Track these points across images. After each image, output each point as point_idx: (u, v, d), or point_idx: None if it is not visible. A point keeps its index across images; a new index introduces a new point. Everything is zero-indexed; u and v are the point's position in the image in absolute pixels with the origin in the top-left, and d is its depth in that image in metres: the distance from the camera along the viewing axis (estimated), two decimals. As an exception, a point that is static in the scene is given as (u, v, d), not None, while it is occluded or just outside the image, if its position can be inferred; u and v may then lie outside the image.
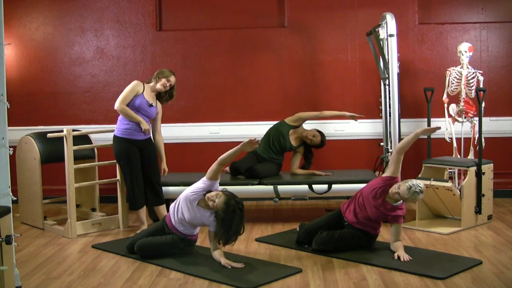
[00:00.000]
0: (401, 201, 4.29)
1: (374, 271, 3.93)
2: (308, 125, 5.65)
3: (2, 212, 3.04)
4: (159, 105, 5.12)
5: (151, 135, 5.10)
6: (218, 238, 4.02)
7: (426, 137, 5.77)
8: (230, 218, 3.94)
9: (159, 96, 5.10)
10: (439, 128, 4.39)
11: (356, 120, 5.49)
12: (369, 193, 4.35)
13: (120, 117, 5.02)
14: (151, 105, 5.00)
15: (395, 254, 4.15)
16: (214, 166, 4.10)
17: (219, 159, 4.10)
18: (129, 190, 5.07)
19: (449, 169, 5.53)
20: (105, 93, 6.48)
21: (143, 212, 5.14)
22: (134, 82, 4.99)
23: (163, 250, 4.26)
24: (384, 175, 4.39)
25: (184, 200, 4.18)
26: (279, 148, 5.52)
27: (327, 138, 5.60)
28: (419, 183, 4.15)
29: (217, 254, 4.10)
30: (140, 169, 5.05)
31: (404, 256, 4.10)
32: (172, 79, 5.01)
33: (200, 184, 4.15)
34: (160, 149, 5.18)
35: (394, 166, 4.29)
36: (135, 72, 6.41)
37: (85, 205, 5.70)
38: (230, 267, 3.99)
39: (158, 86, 4.99)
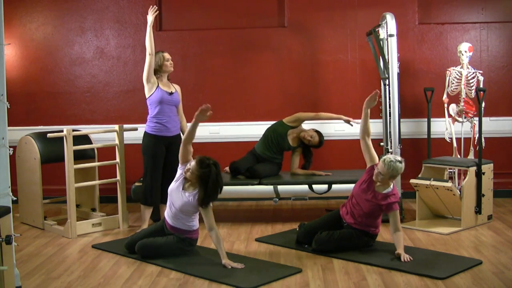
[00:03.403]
0: (392, 186, 4.31)
1: (374, 271, 3.93)
2: (307, 125, 5.64)
3: (2, 212, 3.05)
4: (178, 88, 5.18)
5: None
6: (199, 201, 4.11)
7: (426, 137, 5.78)
8: (207, 173, 4.07)
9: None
10: (377, 92, 4.52)
11: (352, 125, 5.48)
12: (358, 189, 4.40)
13: (149, 116, 5.06)
14: (171, 93, 5.05)
15: (396, 252, 4.15)
16: (180, 149, 4.27)
17: (182, 140, 4.29)
18: (147, 185, 5.09)
19: (449, 169, 5.53)
20: (105, 93, 6.48)
21: (150, 211, 5.15)
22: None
23: (164, 251, 4.27)
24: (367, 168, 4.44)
25: (171, 191, 4.31)
26: (277, 148, 5.52)
27: (326, 138, 5.60)
28: (395, 155, 4.26)
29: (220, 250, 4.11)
30: (162, 168, 5.08)
31: (405, 257, 4.10)
32: (168, 54, 5.09)
33: (179, 171, 4.31)
34: (184, 131, 5.19)
35: (367, 153, 4.41)
36: (135, 72, 6.41)
37: (85, 205, 5.70)
38: (230, 267, 4.00)
39: (168, 68, 5.06)
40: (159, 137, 5.03)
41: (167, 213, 4.35)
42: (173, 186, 4.31)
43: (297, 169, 5.58)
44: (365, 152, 4.43)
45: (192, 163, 4.15)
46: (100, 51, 6.46)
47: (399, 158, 4.25)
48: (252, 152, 5.60)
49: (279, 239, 4.78)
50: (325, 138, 5.72)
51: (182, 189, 4.24)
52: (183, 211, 4.25)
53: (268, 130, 5.59)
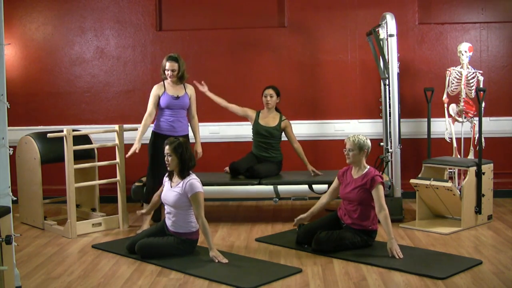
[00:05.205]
0: (368, 167, 4.40)
1: (374, 271, 3.93)
2: (306, 125, 5.64)
3: (2, 212, 3.05)
4: (189, 91, 5.19)
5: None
6: (180, 173, 4.29)
7: (426, 137, 5.78)
8: (178, 144, 4.27)
9: (183, 78, 5.14)
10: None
11: None
12: (342, 189, 4.50)
13: (158, 114, 5.12)
14: (177, 97, 5.06)
15: (388, 249, 4.15)
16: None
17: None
18: (149, 182, 5.12)
19: (449, 169, 5.53)
20: (105, 93, 6.48)
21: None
22: (154, 87, 5.12)
23: (164, 251, 4.27)
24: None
25: (164, 196, 4.38)
26: (268, 139, 5.50)
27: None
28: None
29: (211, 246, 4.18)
30: (165, 167, 5.06)
31: (395, 251, 4.11)
32: (169, 65, 5.03)
33: (165, 180, 4.50)
34: (194, 132, 5.29)
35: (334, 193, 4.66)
36: (135, 72, 6.42)
37: (85, 205, 5.69)
38: (216, 260, 4.07)
39: (169, 78, 5.08)
40: (164, 136, 5.01)
41: (167, 221, 4.38)
42: (164, 191, 4.41)
43: (299, 147, 5.55)
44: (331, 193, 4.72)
45: (165, 151, 4.31)
46: (100, 51, 6.46)
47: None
48: (252, 152, 5.60)
49: (279, 239, 4.78)
50: (325, 138, 5.73)
51: (171, 187, 4.33)
52: (178, 207, 4.26)
53: (252, 136, 5.62)
